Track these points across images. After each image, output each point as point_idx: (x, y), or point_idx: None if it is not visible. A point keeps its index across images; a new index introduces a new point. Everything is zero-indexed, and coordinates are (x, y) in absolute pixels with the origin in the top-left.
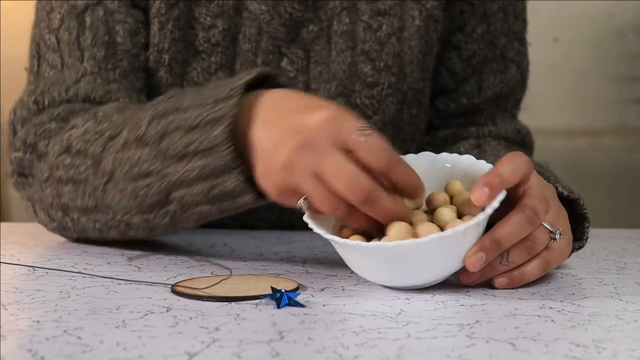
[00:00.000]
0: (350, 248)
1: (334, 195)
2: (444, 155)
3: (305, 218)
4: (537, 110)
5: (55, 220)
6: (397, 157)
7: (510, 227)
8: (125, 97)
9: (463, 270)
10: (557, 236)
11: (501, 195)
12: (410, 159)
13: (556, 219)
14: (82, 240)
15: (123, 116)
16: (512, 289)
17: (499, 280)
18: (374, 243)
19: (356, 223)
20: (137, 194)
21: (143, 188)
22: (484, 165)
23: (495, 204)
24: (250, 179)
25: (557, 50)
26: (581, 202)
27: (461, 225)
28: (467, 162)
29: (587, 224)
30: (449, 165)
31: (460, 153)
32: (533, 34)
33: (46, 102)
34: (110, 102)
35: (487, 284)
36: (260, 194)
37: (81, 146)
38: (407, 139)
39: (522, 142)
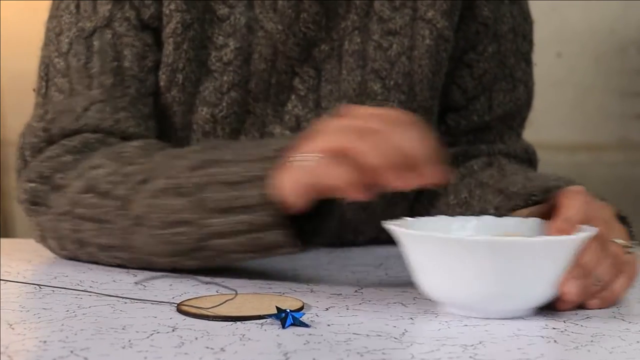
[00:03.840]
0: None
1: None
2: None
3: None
4: (540, 124)
5: (67, 250)
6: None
7: (590, 253)
8: (134, 125)
9: (558, 298)
10: (632, 248)
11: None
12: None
13: (621, 234)
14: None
15: (151, 161)
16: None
17: (592, 302)
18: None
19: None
20: (169, 240)
21: (177, 235)
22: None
23: (590, 233)
24: (294, 233)
25: (561, 65)
26: (628, 220)
27: (580, 234)
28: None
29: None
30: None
31: (474, 171)
32: (536, 49)
33: (56, 131)
34: (131, 141)
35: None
36: (301, 244)
37: (108, 187)
38: None
39: (529, 161)
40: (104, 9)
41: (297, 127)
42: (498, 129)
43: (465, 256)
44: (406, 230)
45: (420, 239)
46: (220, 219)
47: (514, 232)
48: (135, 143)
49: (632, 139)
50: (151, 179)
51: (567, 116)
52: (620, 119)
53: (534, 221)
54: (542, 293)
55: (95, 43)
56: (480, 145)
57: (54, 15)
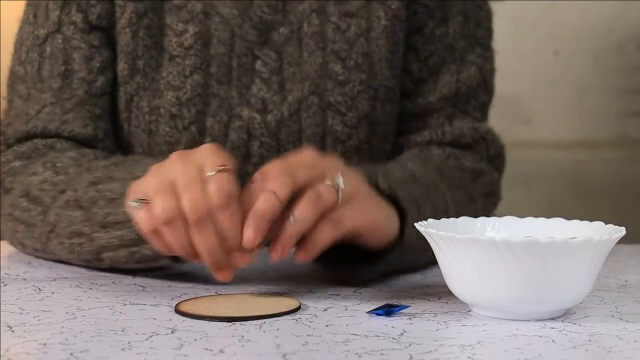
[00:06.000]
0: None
1: (175, 207)
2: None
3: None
4: (538, 122)
5: (18, 249)
6: (225, 202)
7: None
8: (81, 126)
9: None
10: (339, 181)
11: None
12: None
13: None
14: None
15: (77, 171)
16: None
17: (298, 255)
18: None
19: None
20: (73, 249)
21: (77, 245)
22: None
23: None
24: None
25: (558, 63)
26: (394, 193)
27: (617, 234)
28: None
29: (409, 221)
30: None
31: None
32: (534, 47)
33: (10, 134)
34: (68, 151)
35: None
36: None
37: (37, 194)
38: (381, 137)
39: (476, 142)
40: (54, 14)
41: (264, 109)
42: (446, 112)
43: (507, 258)
44: (445, 233)
45: (459, 242)
46: (102, 233)
47: (537, 233)
48: (70, 153)
49: (630, 136)
50: (66, 190)
51: (565, 114)
52: (618, 116)
53: (555, 221)
54: (577, 293)
55: (47, 48)
56: (424, 132)
57: (20, 27)
